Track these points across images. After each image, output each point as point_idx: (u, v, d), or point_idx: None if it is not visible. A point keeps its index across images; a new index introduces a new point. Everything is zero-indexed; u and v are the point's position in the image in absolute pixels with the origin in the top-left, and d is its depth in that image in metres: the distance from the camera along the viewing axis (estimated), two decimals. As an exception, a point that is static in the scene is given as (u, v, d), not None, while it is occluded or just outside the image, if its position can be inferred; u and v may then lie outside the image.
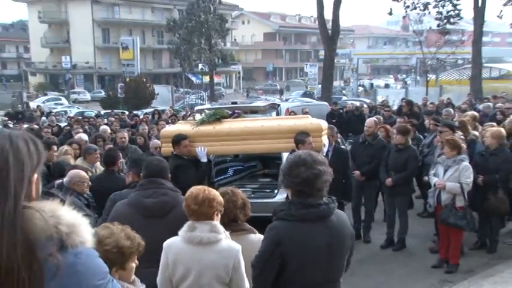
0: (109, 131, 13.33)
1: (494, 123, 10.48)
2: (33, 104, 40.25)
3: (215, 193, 3.85)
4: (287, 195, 6.99)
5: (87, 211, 5.04)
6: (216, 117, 8.84)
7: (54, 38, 73.62)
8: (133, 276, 3.21)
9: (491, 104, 17.15)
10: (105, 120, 19.68)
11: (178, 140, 7.93)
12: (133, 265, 3.13)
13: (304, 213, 3.32)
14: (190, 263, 3.67)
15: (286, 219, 3.38)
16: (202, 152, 8.02)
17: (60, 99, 52.64)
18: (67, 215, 1.69)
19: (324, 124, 8.77)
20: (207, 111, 9.48)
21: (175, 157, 7.82)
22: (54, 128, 16.83)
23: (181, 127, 9.26)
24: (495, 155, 8.52)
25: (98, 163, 8.41)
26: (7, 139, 1.69)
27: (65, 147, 9.15)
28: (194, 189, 3.83)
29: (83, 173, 6.29)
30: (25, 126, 18.57)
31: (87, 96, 61.03)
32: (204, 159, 8.07)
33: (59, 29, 73.89)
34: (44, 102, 46.63)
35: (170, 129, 9.68)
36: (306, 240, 3.34)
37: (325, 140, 8.50)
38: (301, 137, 7.54)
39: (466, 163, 7.88)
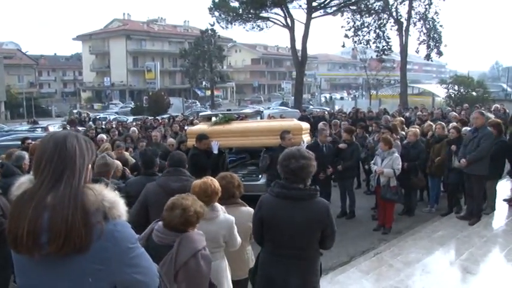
0: (137, 132, 13.33)
1: (417, 126, 10.63)
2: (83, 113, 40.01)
3: (217, 184, 3.75)
4: (266, 179, 7.09)
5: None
6: (226, 119, 8.94)
7: (99, 64, 74.29)
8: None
9: (420, 113, 17.39)
10: (134, 124, 19.73)
11: (201, 138, 7.84)
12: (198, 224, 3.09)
13: (280, 191, 3.24)
14: None
15: (270, 193, 3.34)
16: (215, 145, 7.84)
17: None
18: (109, 194, 1.73)
19: (304, 125, 8.93)
20: (220, 115, 9.60)
21: (194, 149, 7.79)
22: (99, 129, 16.87)
23: (201, 126, 9.40)
24: (415, 148, 8.71)
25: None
26: (75, 138, 1.79)
27: (106, 144, 9.13)
28: (203, 184, 3.70)
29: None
30: (80, 128, 18.59)
31: (121, 106, 60.71)
32: (215, 151, 7.86)
33: (102, 58, 74.08)
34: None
35: (194, 128, 9.66)
36: (278, 212, 3.24)
37: (304, 137, 8.49)
38: (283, 134, 7.61)
39: (397, 154, 8.01)
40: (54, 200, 1.64)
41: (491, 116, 8.82)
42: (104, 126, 19.49)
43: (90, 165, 1.82)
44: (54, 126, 25.57)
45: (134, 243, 1.75)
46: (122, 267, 1.69)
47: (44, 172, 1.70)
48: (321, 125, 10.72)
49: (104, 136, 10.90)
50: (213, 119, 9.89)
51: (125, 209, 1.76)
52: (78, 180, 1.71)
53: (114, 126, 18.97)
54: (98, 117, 34.05)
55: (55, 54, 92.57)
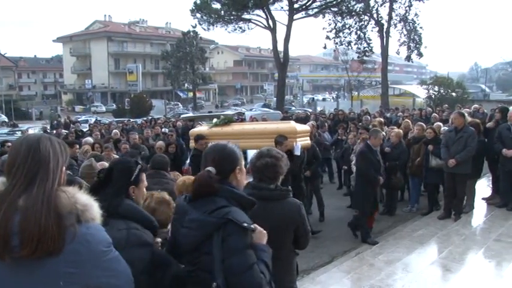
0: (119, 134, 13.27)
1: (395, 127, 10.73)
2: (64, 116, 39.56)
3: None
4: None
5: None
6: (225, 121, 8.92)
7: (80, 66, 73.60)
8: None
9: (401, 114, 17.60)
10: (115, 126, 19.61)
11: (197, 138, 8.19)
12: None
13: (251, 192, 2.96)
14: None
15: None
16: None
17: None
18: (82, 197, 1.71)
19: (299, 128, 8.18)
20: (221, 116, 9.57)
21: (194, 149, 8.16)
22: (79, 132, 16.75)
23: (202, 128, 9.34)
24: (396, 148, 8.76)
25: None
26: (48, 140, 1.77)
27: (86, 146, 8.97)
28: (186, 179, 3.79)
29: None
30: (61, 131, 18.39)
31: (103, 108, 60.16)
32: None
33: (83, 60, 73.39)
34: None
35: (195, 130, 9.58)
36: (251, 213, 2.88)
37: (300, 140, 7.85)
38: (278, 139, 7.16)
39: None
40: (27, 202, 1.62)
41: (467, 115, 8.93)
42: (84, 129, 19.37)
43: (64, 168, 1.80)
44: (35, 129, 25.27)
45: (108, 247, 1.73)
46: (94, 271, 1.67)
47: (16, 175, 1.68)
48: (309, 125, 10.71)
49: (89, 139, 10.81)
50: (215, 120, 9.75)
51: (99, 212, 1.75)
52: (51, 183, 1.69)
53: (96, 128, 18.81)
54: (78, 119, 33.67)
55: (35, 56, 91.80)
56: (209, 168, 2.31)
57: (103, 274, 1.70)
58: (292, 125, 8.25)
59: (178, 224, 2.34)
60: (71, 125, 22.53)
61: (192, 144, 8.71)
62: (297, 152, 7.41)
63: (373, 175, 7.27)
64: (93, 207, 1.72)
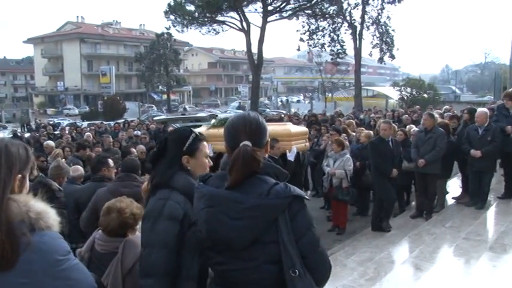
0: (91, 137, 13.10)
1: (363, 128, 10.85)
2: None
3: None
4: None
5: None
6: (222, 123, 8.81)
7: (52, 68, 72.05)
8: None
9: (373, 115, 17.78)
10: (88, 129, 19.34)
11: None
12: (138, 226, 2.95)
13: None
14: None
15: None
16: (209, 148, 7.55)
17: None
18: (36, 204, 1.64)
19: (294, 129, 7.85)
20: (221, 117, 9.25)
21: None
22: (50, 135, 16.45)
23: (201, 129, 9.07)
24: (367, 149, 8.86)
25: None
26: (3, 144, 1.68)
27: (57, 150, 8.90)
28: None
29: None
30: (27, 134, 18.07)
31: (76, 111, 59.13)
32: (211, 154, 7.55)
33: (55, 62, 71.90)
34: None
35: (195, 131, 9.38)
36: None
37: (296, 144, 7.42)
38: (271, 143, 7.08)
39: (348, 156, 8.18)
40: None
41: (437, 116, 9.10)
42: (56, 132, 19.06)
43: (21, 175, 1.72)
44: (4, 132, 24.77)
45: (65, 255, 1.66)
46: (49, 281, 1.60)
47: None
48: None
49: (50, 142, 10.60)
50: (212, 121, 9.50)
51: (56, 219, 1.67)
52: (2, 192, 1.60)
53: (67, 131, 18.55)
54: (50, 122, 33.11)
55: (4, 57, 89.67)
56: (246, 142, 1.95)
57: (59, 284, 1.63)
58: (287, 127, 7.93)
59: (224, 218, 1.89)
60: (42, 128, 22.17)
61: None
62: (291, 157, 7.05)
63: (384, 166, 7.42)
64: (48, 215, 1.65)
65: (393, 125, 8.68)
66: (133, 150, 8.80)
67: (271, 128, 7.86)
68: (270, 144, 6.52)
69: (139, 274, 2.26)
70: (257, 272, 1.90)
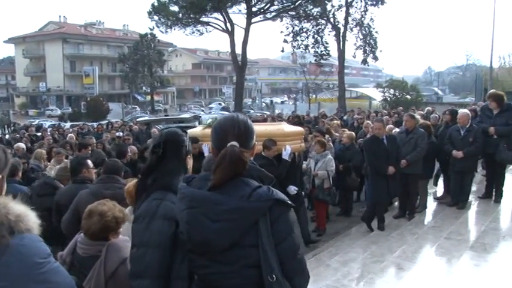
0: (74, 138, 12.98)
1: (345, 129, 10.93)
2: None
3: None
4: None
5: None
6: None
7: (33, 68, 71.23)
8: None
9: (357, 116, 17.86)
10: (71, 130, 19.17)
11: (191, 141, 7.50)
12: (121, 230, 2.97)
13: None
14: None
15: None
16: (205, 147, 7.22)
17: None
18: (15, 207, 1.61)
19: (289, 129, 7.59)
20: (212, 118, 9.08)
21: None
22: (32, 136, 16.28)
23: (197, 129, 8.94)
24: (349, 149, 8.98)
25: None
26: None
27: (39, 150, 8.83)
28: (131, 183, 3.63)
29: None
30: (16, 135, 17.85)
31: (58, 112, 58.53)
32: (206, 153, 7.14)
33: (37, 62, 71.04)
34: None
35: (190, 131, 9.11)
36: None
37: (291, 144, 7.13)
38: (267, 144, 6.81)
39: (330, 156, 8.21)
40: None
41: (418, 117, 9.19)
42: (38, 133, 18.82)
43: (2, 175, 1.71)
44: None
45: (45, 258, 1.63)
46: (28, 284, 1.57)
47: None
48: None
49: (21, 144, 10.46)
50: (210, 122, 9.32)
51: (36, 222, 1.65)
52: None
53: (49, 133, 18.33)
54: (32, 123, 32.67)
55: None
56: (233, 142, 1.92)
57: (39, 287, 1.60)
58: (281, 127, 7.71)
59: (204, 219, 1.86)
60: (23, 130, 21.87)
61: None
62: (285, 156, 6.86)
63: (378, 165, 7.38)
64: (28, 217, 1.63)
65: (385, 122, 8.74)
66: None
67: (265, 128, 7.78)
68: (266, 146, 6.44)
69: (130, 275, 2.21)
70: (238, 276, 1.87)
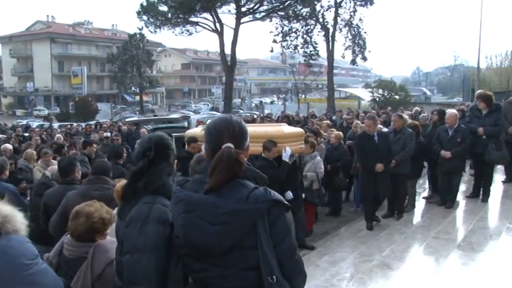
0: (62, 139, 12.86)
1: (334, 129, 10.96)
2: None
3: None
4: None
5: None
6: None
7: (21, 68, 70.57)
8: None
9: (345, 116, 17.91)
10: (59, 130, 19.03)
11: (189, 141, 7.60)
12: (108, 231, 2.94)
13: None
14: None
15: None
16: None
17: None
18: (2, 208, 1.61)
19: (289, 130, 7.34)
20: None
21: (185, 151, 7.47)
22: (20, 137, 16.09)
23: (197, 129, 8.83)
24: (337, 149, 9.03)
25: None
26: None
27: (30, 151, 8.71)
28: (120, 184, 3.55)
29: None
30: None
31: (46, 112, 58.12)
32: None
33: (25, 62, 70.36)
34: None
35: (191, 131, 9.03)
36: None
37: (290, 145, 6.90)
38: (267, 145, 6.66)
39: (319, 158, 8.18)
40: None
41: (406, 117, 9.25)
42: (25, 134, 18.65)
43: None
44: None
45: (33, 259, 1.63)
46: (15, 285, 1.56)
47: None
48: None
49: (8, 145, 10.34)
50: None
51: (23, 223, 1.65)
52: None
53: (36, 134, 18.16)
54: (20, 123, 32.36)
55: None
56: (229, 144, 1.91)
57: None
58: (281, 128, 7.49)
59: (203, 223, 1.85)
60: (11, 130, 21.67)
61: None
62: (285, 158, 6.69)
63: (366, 162, 7.44)
64: (15, 218, 1.63)
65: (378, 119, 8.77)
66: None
67: (264, 129, 7.62)
68: (266, 147, 6.35)
69: (124, 284, 2.14)
70: (238, 279, 1.86)
